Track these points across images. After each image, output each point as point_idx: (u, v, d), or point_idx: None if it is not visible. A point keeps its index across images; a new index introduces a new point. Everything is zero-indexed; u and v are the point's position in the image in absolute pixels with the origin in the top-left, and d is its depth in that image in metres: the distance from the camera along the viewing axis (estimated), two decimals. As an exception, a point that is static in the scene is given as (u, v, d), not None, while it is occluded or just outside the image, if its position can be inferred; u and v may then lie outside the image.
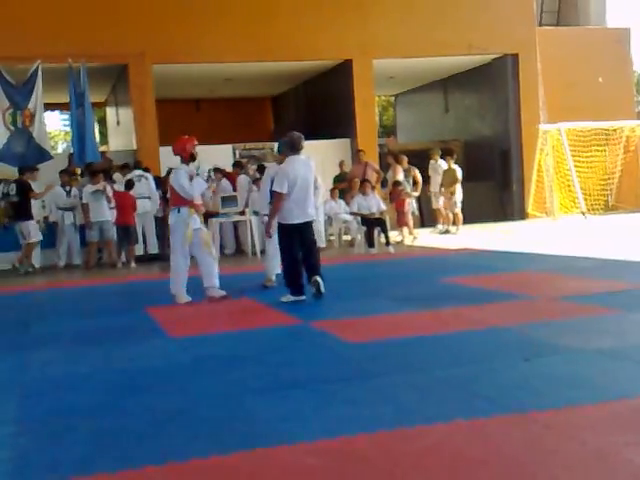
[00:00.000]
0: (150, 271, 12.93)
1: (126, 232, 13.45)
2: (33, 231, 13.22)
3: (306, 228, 8.33)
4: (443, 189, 16.45)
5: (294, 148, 8.24)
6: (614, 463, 3.30)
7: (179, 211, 8.66)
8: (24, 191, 13.14)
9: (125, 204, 13.40)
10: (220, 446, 3.73)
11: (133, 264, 13.40)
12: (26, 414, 4.57)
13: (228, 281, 11.01)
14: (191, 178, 8.65)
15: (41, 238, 13.42)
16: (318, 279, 8.22)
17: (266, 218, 8.92)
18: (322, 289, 8.17)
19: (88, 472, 3.48)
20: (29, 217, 13.20)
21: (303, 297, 8.20)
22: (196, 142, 8.93)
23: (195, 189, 8.67)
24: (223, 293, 8.82)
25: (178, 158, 8.89)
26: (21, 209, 13.15)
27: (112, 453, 3.73)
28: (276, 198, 8.17)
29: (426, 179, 16.84)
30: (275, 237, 8.72)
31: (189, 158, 8.78)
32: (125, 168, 14.86)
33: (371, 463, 3.43)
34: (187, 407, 4.47)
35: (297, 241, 8.27)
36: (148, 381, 5.21)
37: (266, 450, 3.65)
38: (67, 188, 14.02)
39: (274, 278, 9.45)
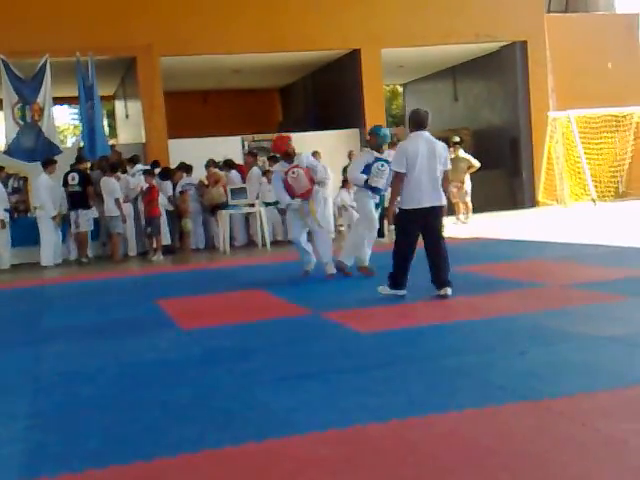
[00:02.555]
0: (159, 263, 12.95)
1: (154, 224, 13.44)
2: (90, 220, 13.52)
3: (432, 215, 7.28)
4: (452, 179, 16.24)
5: (419, 124, 7.30)
6: (626, 450, 3.30)
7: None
8: (86, 181, 13.50)
9: (153, 196, 13.36)
10: (232, 437, 3.74)
11: (161, 256, 13.39)
12: (39, 407, 4.59)
13: (240, 272, 11.05)
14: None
15: (92, 228, 13.66)
16: (448, 292, 7.19)
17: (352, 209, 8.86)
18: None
19: (101, 464, 3.49)
20: (88, 206, 13.50)
21: (403, 292, 7.36)
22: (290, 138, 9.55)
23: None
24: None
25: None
26: (82, 198, 13.42)
27: (125, 445, 3.74)
28: (395, 179, 7.35)
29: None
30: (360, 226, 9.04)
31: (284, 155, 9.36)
32: (134, 161, 14.90)
33: (383, 452, 3.43)
34: (199, 399, 4.49)
35: (416, 230, 7.30)
36: (160, 373, 5.22)
37: (278, 440, 3.66)
38: None
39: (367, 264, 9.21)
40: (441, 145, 7.37)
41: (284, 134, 9.94)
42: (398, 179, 7.26)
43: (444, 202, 7.35)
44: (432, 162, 7.18)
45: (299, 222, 9.38)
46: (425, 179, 7.14)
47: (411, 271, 7.23)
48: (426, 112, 7.39)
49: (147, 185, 13.37)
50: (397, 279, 7.35)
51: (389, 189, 8.08)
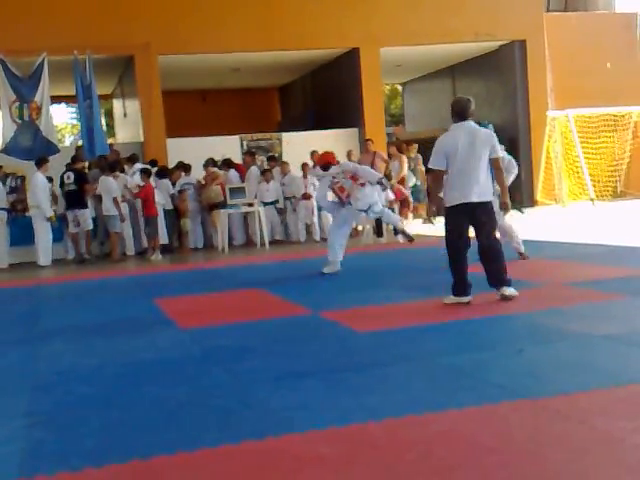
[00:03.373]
0: (158, 262, 12.95)
1: (151, 223, 13.42)
2: (89, 220, 13.49)
3: (479, 210, 6.69)
4: None
5: (461, 114, 6.79)
6: (623, 448, 3.30)
7: None
8: (82, 180, 13.50)
9: (150, 196, 13.36)
10: (231, 435, 3.73)
11: (159, 255, 13.38)
12: (37, 406, 4.58)
13: (239, 272, 11.05)
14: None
15: (92, 227, 13.65)
16: (507, 292, 6.73)
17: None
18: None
19: (99, 463, 3.49)
20: (85, 206, 13.49)
21: (467, 298, 6.78)
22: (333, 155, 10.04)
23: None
24: None
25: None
26: (78, 198, 13.41)
27: (123, 444, 3.74)
28: (432, 176, 7.07)
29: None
30: None
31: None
32: (133, 160, 14.90)
33: (382, 450, 3.43)
34: (197, 397, 4.48)
35: (462, 227, 6.77)
36: (158, 372, 5.22)
37: (277, 439, 3.66)
38: None
39: None
40: (484, 132, 6.88)
41: (328, 151, 10.22)
42: (434, 177, 6.95)
43: (490, 197, 6.79)
44: (475, 154, 6.64)
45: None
46: (468, 172, 6.61)
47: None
48: (468, 100, 6.88)
49: (144, 184, 13.36)
50: (455, 284, 6.83)
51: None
